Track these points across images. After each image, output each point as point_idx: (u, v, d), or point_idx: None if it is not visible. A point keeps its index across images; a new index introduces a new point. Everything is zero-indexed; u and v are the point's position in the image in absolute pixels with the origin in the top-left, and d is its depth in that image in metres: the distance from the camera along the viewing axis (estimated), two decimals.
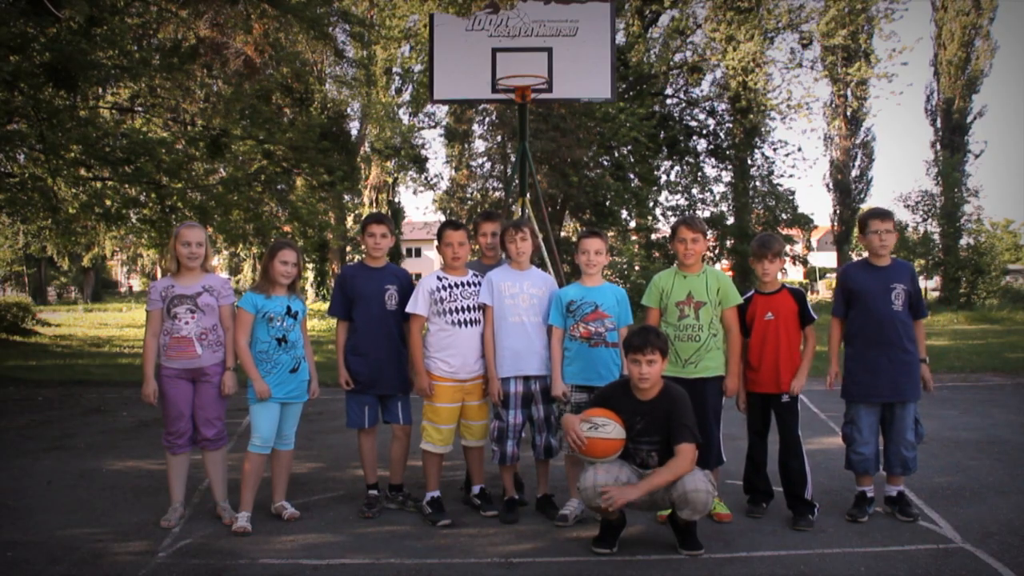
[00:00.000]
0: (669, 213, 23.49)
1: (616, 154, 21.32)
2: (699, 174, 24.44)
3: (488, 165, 22.29)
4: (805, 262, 27.47)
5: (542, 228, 8.24)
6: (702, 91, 24.32)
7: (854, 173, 33.76)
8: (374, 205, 30.01)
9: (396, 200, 34.10)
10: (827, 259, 46.80)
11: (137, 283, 59.29)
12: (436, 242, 5.04)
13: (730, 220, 24.31)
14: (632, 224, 23.36)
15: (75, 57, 9.35)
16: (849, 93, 25.95)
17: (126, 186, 12.19)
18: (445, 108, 22.58)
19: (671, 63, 23.28)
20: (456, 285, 4.82)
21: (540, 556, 4.17)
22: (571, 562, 4.09)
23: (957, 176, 29.31)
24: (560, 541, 4.41)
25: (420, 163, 24.96)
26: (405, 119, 24.57)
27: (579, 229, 20.46)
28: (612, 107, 18.50)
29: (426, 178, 24.94)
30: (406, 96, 24.65)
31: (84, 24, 9.57)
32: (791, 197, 24.24)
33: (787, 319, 4.75)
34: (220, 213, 12.73)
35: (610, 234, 20.66)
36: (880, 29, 21.00)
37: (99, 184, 12.37)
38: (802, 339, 4.81)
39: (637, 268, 19.45)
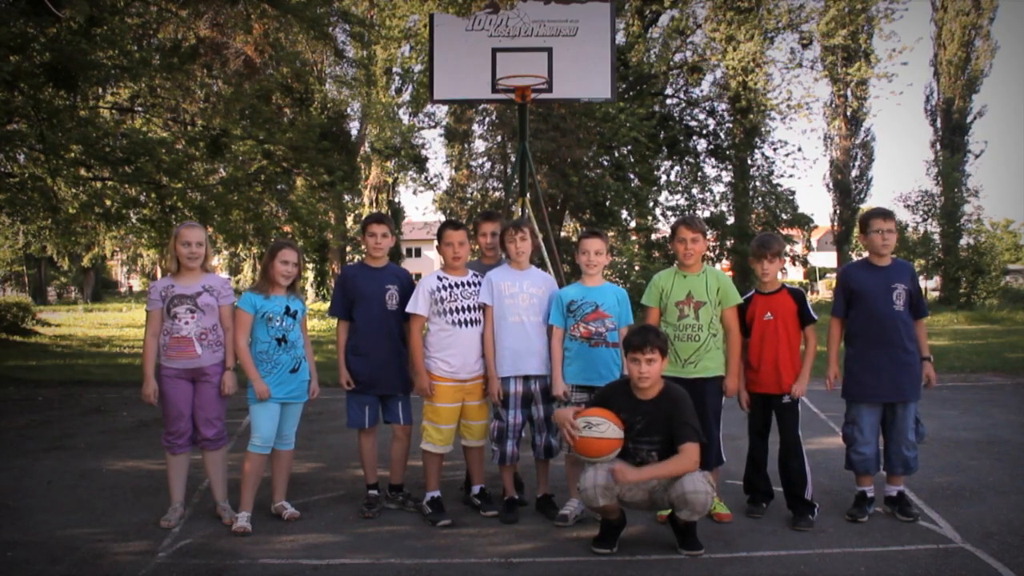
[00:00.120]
0: (669, 213, 23.49)
1: (616, 154, 21.31)
2: (699, 174, 24.44)
3: (488, 165, 22.30)
4: (805, 262, 27.47)
5: (542, 228, 8.24)
6: (702, 91, 24.36)
7: (854, 173, 33.81)
8: (374, 205, 30.01)
9: (396, 200, 34.12)
10: (827, 259, 46.81)
11: (137, 283, 59.29)
12: (436, 242, 5.04)
13: (730, 220, 24.30)
14: (632, 224, 23.35)
15: (75, 57, 9.35)
16: (849, 93, 25.96)
17: (126, 186, 12.19)
18: (445, 108, 22.59)
19: (671, 63, 23.28)
20: (456, 285, 4.82)
21: (540, 556, 4.17)
22: (571, 562, 4.09)
23: (957, 176, 29.33)
24: (560, 541, 4.41)
25: (420, 163, 24.97)
26: (405, 119, 24.59)
27: (579, 229, 20.46)
28: (612, 107, 18.50)
29: (426, 178, 24.95)
30: (406, 96, 24.67)
31: (84, 24, 9.56)
32: (791, 197, 24.24)
33: (786, 319, 4.75)
34: (220, 213, 12.73)
35: (610, 234, 20.64)
36: (880, 29, 21.02)
37: (99, 184, 12.37)
38: (802, 339, 4.81)
39: (637, 268, 19.43)
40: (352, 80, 20.36)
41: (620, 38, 21.84)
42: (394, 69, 23.96)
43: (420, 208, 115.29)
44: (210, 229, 12.21)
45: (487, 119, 21.28)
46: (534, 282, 4.83)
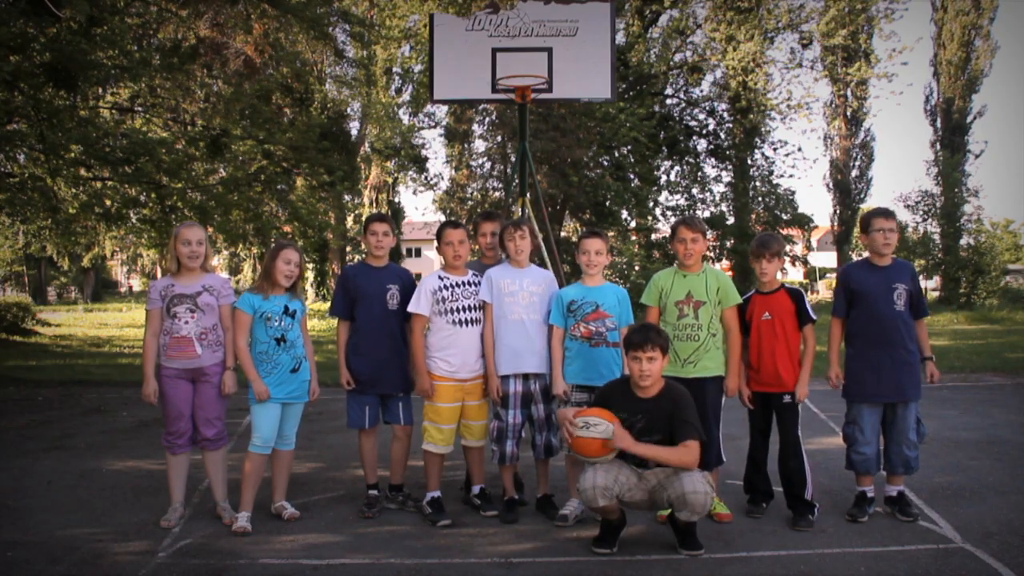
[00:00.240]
0: (669, 213, 23.49)
1: (616, 154, 21.31)
2: (699, 174, 24.44)
3: (488, 165, 22.29)
4: (805, 262, 27.46)
5: (542, 228, 8.25)
6: (702, 91, 24.36)
7: (854, 173, 33.80)
8: (374, 205, 30.01)
9: (396, 200, 34.11)
10: (827, 259, 46.80)
11: (137, 283, 59.29)
12: (436, 243, 5.04)
13: (730, 220, 24.30)
14: (632, 224, 23.34)
15: (75, 57, 9.35)
16: (849, 93, 25.95)
17: (126, 186, 12.19)
18: (445, 108, 22.58)
19: (671, 63, 23.28)
20: (457, 285, 4.82)
21: (540, 556, 4.17)
22: (571, 562, 4.09)
23: (957, 176, 29.33)
24: (560, 541, 4.41)
25: (420, 163, 24.97)
26: (405, 119, 24.59)
27: (579, 229, 20.47)
28: (612, 107, 18.50)
29: (426, 178, 24.95)
30: (406, 96, 24.67)
31: (84, 24, 9.55)
32: (791, 197, 24.24)
33: (784, 319, 4.75)
34: (220, 213, 12.73)
35: (610, 234, 20.64)
36: (880, 29, 21.02)
37: (99, 184, 12.37)
38: (801, 339, 4.81)
39: (637, 268, 19.43)
40: (352, 80, 20.37)
41: (620, 38, 21.84)
42: (394, 69, 23.97)
43: (420, 208, 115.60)
44: (210, 229, 12.22)
45: (487, 119, 21.28)
46: (534, 280, 4.83)
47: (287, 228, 15.22)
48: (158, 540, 4.42)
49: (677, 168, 24.71)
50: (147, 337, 4.67)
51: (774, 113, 21.87)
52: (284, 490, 4.90)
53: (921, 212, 29.58)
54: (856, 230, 29.81)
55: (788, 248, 23.50)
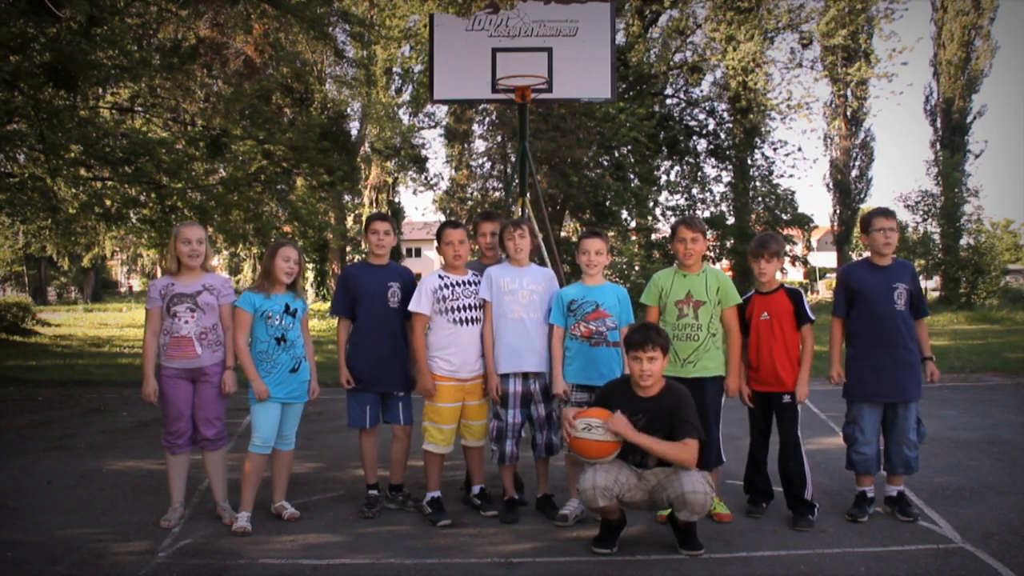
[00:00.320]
0: (669, 213, 23.48)
1: (616, 154, 21.30)
2: (699, 174, 24.43)
3: (488, 165, 22.28)
4: (805, 262, 27.45)
5: (542, 228, 8.25)
6: (702, 91, 24.34)
7: (854, 173, 33.80)
8: (374, 205, 30.01)
9: (396, 200, 34.11)
10: (827, 259, 46.80)
11: (137, 283, 59.27)
12: (436, 243, 5.04)
13: (730, 220, 24.29)
14: (632, 224, 23.34)
15: (75, 57, 9.35)
16: (849, 93, 25.95)
17: (126, 186, 12.19)
18: (445, 108, 22.58)
19: (671, 63, 23.27)
20: (457, 284, 4.82)
21: (540, 556, 4.17)
22: (571, 562, 4.09)
23: (957, 176, 29.32)
24: (560, 541, 4.41)
25: (420, 163, 24.97)
26: (405, 119, 24.59)
27: (579, 229, 20.46)
28: (612, 107, 18.49)
29: (426, 178, 24.94)
30: (406, 96, 24.67)
31: (84, 24, 9.56)
32: (791, 197, 24.24)
33: (782, 319, 4.75)
34: (220, 213, 12.73)
35: (610, 234, 20.64)
36: (880, 29, 21.01)
37: (99, 184, 12.37)
38: (800, 340, 4.81)
39: (637, 268, 19.43)
40: (352, 80, 20.37)
41: (620, 38, 21.83)
42: (394, 69, 23.96)
43: (420, 208, 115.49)
44: (210, 229, 12.22)
45: (487, 119, 21.28)
46: (534, 279, 4.82)
47: (287, 228, 15.21)
48: (158, 540, 4.42)
49: (677, 168, 24.71)
50: (147, 337, 4.67)
51: (774, 113, 21.87)
52: (284, 490, 4.90)
53: (921, 212, 29.61)
54: (856, 230, 29.85)
55: (788, 248, 23.51)
